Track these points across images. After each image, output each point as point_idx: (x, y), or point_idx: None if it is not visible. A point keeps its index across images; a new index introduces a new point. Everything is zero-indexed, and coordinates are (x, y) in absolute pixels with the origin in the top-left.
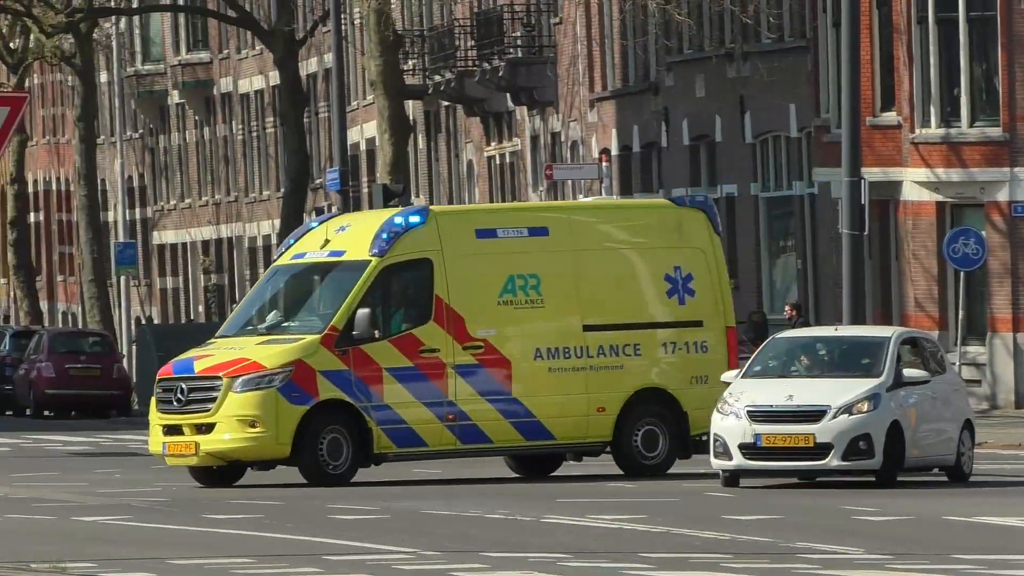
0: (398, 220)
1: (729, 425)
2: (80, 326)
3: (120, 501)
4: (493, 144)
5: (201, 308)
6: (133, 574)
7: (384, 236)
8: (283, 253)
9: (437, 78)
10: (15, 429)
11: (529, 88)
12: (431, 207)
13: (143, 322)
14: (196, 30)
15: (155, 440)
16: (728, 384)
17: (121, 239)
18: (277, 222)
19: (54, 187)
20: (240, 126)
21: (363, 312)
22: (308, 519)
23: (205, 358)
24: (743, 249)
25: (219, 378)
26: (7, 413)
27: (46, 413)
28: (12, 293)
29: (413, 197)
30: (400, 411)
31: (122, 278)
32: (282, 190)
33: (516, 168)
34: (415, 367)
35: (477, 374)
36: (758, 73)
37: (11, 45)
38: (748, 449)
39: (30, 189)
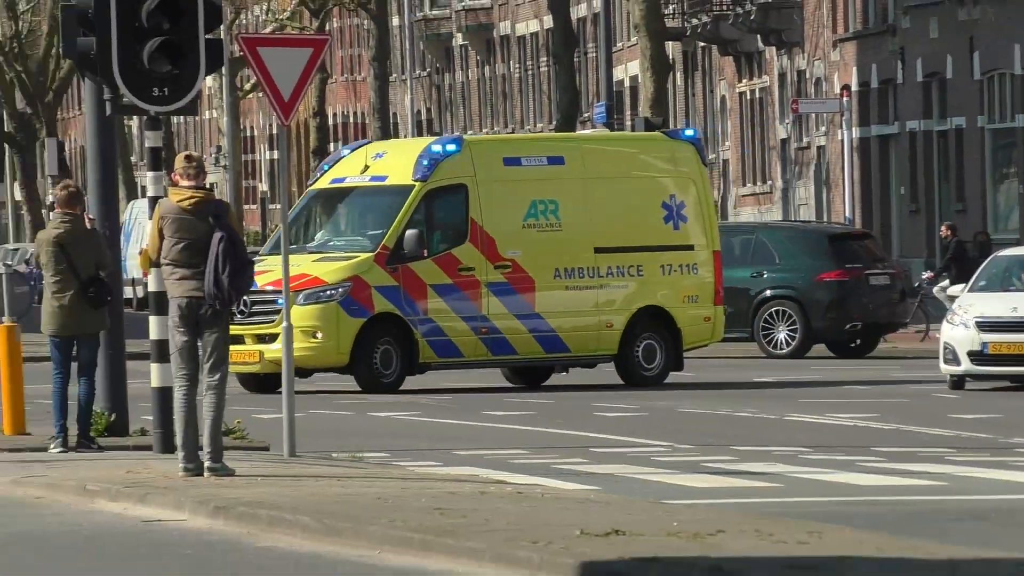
0: (436, 148)
1: (958, 335)
2: None
3: (410, 400)
4: (744, 81)
5: None
6: (423, 463)
7: (425, 163)
8: (319, 178)
9: (695, 21)
10: None
11: (778, 30)
12: (464, 136)
13: None
14: None
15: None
16: (955, 297)
17: None
18: None
19: (351, 120)
20: (517, 65)
21: (412, 232)
22: (575, 416)
23: (265, 273)
24: (970, 176)
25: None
26: None
27: None
28: None
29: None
30: (442, 324)
31: None
32: (554, 123)
33: (764, 103)
34: (454, 284)
35: (506, 291)
36: (987, 16)
37: None
38: (976, 356)
39: (330, 122)
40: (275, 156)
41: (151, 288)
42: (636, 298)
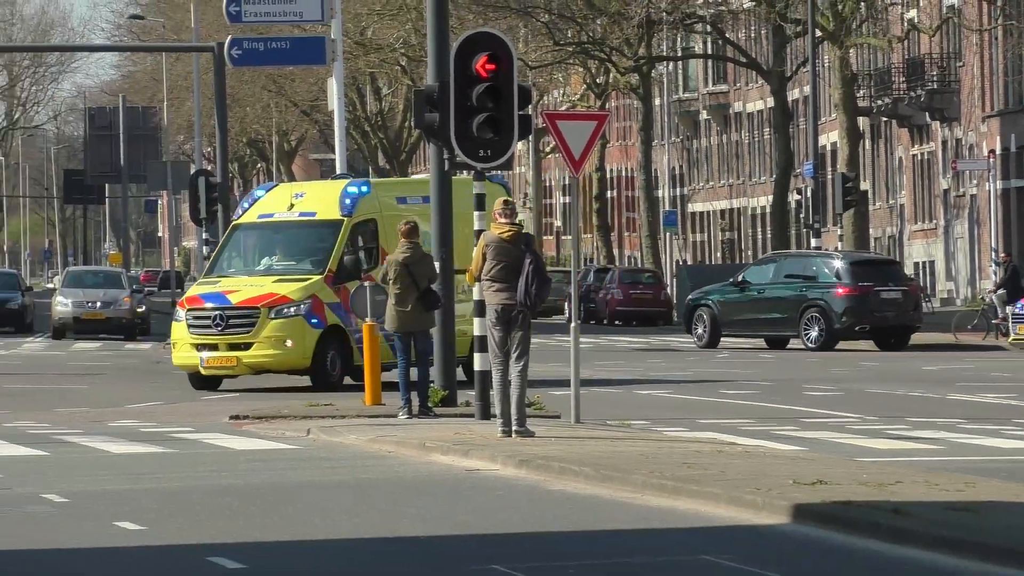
0: (352, 189)
1: None
2: (639, 265)
3: (663, 377)
4: (916, 146)
5: (718, 255)
6: (674, 429)
7: (347, 201)
8: (243, 214)
9: (879, 102)
10: (596, 333)
11: (941, 108)
12: (371, 180)
13: (680, 263)
14: (719, 70)
15: (185, 355)
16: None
17: (667, 208)
18: (770, 197)
19: (623, 174)
20: (747, 133)
21: (350, 258)
22: (789, 395)
23: (234, 292)
24: None
25: (257, 308)
26: (591, 322)
27: (616, 323)
28: (595, 243)
29: (862, 182)
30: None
31: (667, 234)
32: (773, 176)
33: (931, 162)
34: None
35: None
36: None
37: (597, 80)
38: None
39: (607, 175)
40: (567, 200)
41: (475, 297)
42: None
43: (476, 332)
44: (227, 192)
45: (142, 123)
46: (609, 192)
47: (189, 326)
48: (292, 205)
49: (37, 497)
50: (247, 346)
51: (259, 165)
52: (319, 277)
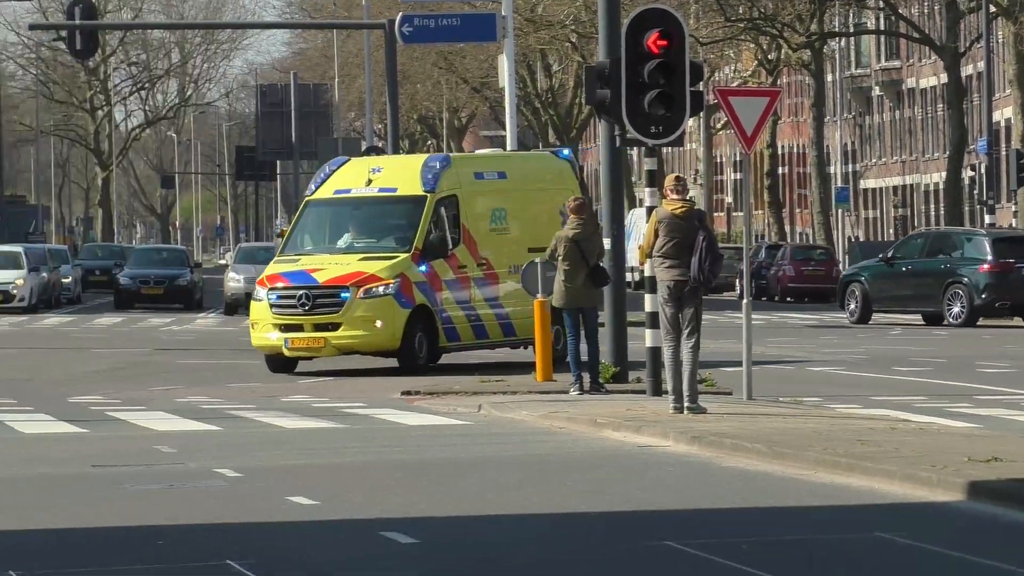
0: (434, 164)
1: None
2: (811, 242)
3: (836, 357)
4: None
5: (891, 231)
6: (847, 406)
7: (430, 176)
8: (316, 191)
9: None
10: (768, 310)
11: None
12: (450, 154)
13: (852, 240)
14: (891, 46)
15: (266, 335)
16: None
17: (839, 185)
18: (943, 174)
19: (795, 150)
20: (920, 110)
21: (437, 235)
22: (962, 372)
23: (320, 271)
24: None
25: (346, 287)
26: (762, 299)
27: (788, 299)
28: (766, 220)
29: None
30: (451, 314)
31: (839, 211)
32: (947, 152)
33: None
34: (457, 280)
35: (485, 286)
36: None
37: (769, 56)
38: None
39: (779, 152)
40: (738, 177)
41: (646, 273)
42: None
43: (647, 308)
44: None
45: (313, 100)
46: (780, 169)
47: (272, 306)
48: (370, 180)
49: (210, 472)
50: (335, 326)
51: (429, 142)
52: (406, 255)
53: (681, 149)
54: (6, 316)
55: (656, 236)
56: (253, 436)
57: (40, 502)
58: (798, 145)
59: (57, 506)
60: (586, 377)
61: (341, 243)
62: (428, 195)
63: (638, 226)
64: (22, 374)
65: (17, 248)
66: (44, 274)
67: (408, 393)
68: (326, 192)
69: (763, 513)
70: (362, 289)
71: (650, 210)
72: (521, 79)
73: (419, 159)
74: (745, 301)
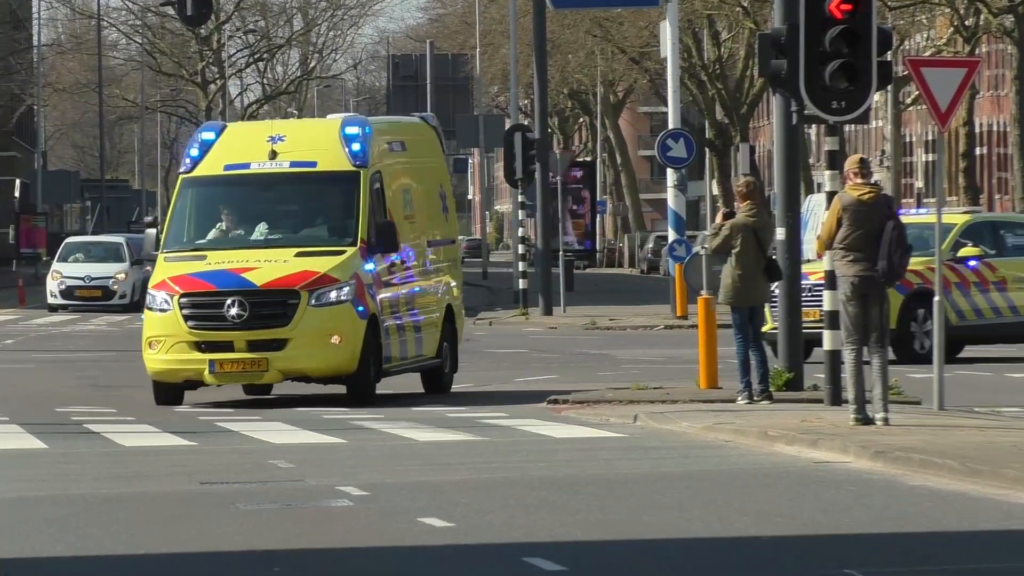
0: (354, 130)
1: None
2: None
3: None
4: None
5: None
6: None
7: (356, 147)
8: (194, 167)
9: None
10: None
11: None
12: (368, 118)
13: None
14: None
15: (175, 358)
16: None
17: None
18: None
19: (995, 128)
20: None
21: (387, 224)
22: None
23: (253, 271)
24: None
25: (294, 291)
26: None
27: None
28: (962, 207)
29: None
30: (389, 324)
31: None
32: None
33: None
34: (391, 281)
35: (409, 288)
36: None
37: (966, 23)
38: None
39: (976, 129)
40: (930, 158)
41: (825, 267)
42: (446, 298)
43: (826, 307)
44: (546, 149)
45: (451, 72)
46: (978, 149)
47: (187, 318)
48: (274, 153)
49: (334, 490)
50: (280, 344)
51: (581, 119)
52: (354, 249)
53: (865, 127)
54: (106, 315)
55: (838, 226)
56: (381, 450)
57: (142, 523)
58: (998, 123)
59: (160, 528)
60: (755, 384)
61: (257, 234)
62: (360, 170)
63: (816, 214)
64: (122, 380)
65: (119, 239)
66: (149, 267)
67: (555, 401)
68: (212, 167)
69: (954, 538)
70: (314, 294)
71: (831, 196)
72: (685, 48)
73: (328, 124)
74: (937, 299)
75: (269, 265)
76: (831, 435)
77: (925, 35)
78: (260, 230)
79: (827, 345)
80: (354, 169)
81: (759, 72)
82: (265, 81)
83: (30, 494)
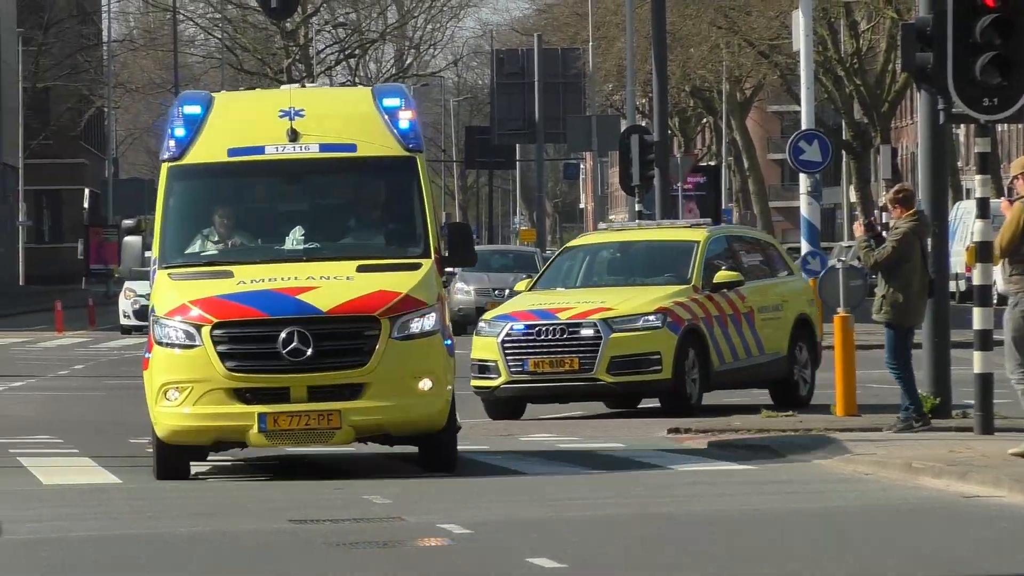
0: (394, 102)
1: None
2: None
3: None
4: None
5: None
6: None
7: (406, 124)
8: (183, 153)
9: None
10: None
11: None
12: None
13: None
14: None
15: (202, 411)
16: None
17: None
18: None
19: None
20: None
21: (462, 227)
22: None
23: (311, 291)
24: None
25: (373, 320)
26: None
27: None
28: None
29: None
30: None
31: None
32: None
33: None
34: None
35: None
36: None
37: None
38: None
39: None
40: None
41: (976, 282)
42: None
43: (977, 326)
44: (666, 153)
45: (561, 69)
46: None
47: (225, 357)
48: (295, 132)
49: (433, 527)
50: (354, 392)
51: (705, 120)
52: (429, 261)
53: (1021, 127)
54: None
55: (1022, 236)
56: (485, 484)
57: (224, 565)
58: None
59: (244, 570)
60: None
61: (292, 243)
62: (415, 155)
63: (964, 223)
64: None
65: None
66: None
67: (676, 431)
68: (209, 152)
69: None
70: (396, 322)
71: (983, 202)
72: (820, 40)
73: (358, 93)
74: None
75: (329, 284)
76: (983, 467)
77: None
78: (295, 237)
79: (977, 367)
80: (407, 154)
81: (902, 66)
82: (357, 79)
83: (102, 533)
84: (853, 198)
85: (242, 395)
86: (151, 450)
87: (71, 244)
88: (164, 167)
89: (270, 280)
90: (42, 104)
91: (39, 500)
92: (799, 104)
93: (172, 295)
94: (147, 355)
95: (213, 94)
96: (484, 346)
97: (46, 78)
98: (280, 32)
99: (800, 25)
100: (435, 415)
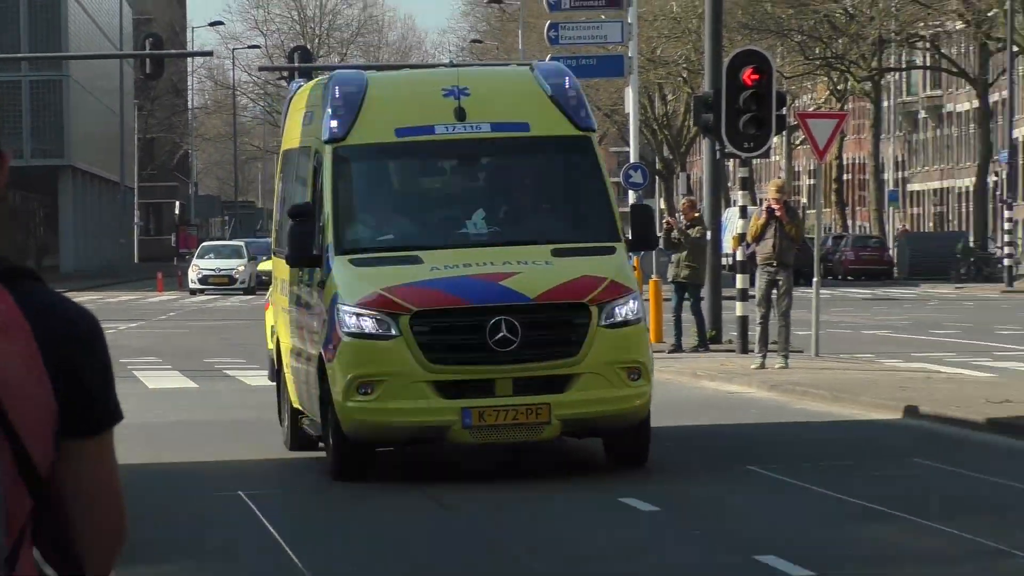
0: (559, 80)
1: None
2: (868, 233)
3: (885, 323)
4: None
5: (930, 224)
6: (893, 360)
7: (575, 102)
8: (349, 130)
9: None
10: (832, 286)
11: None
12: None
13: (900, 231)
14: (935, 78)
15: (409, 406)
16: None
17: (891, 188)
18: (973, 179)
19: (857, 161)
20: (956, 128)
21: (644, 209)
22: (984, 334)
23: (512, 277)
24: None
25: (583, 307)
26: (828, 277)
27: (848, 278)
28: (833, 216)
29: None
30: None
31: (890, 208)
32: (976, 162)
33: None
34: None
35: None
36: None
37: (838, 87)
38: None
39: (844, 162)
40: (812, 182)
41: (737, 258)
42: None
43: (739, 286)
44: None
45: None
46: (845, 176)
47: (426, 347)
48: (462, 111)
49: None
50: (562, 384)
51: None
52: (622, 245)
53: (767, 160)
54: (233, 296)
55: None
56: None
57: (241, 439)
58: (860, 157)
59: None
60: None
61: (474, 226)
62: (589, 135)
63: (732, 221)
64: (252, 339)
65: (241, 242)
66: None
67: None
68: (375, 132)
69: (826, 441)
70: (605, 310)
71: (743, 209)
72: (643, 106)
73: (520, 72)
74: (816, 279)
75: (529, 269)
76: (741, 374)
77: (810, 96)
78: (477, 220)
79: (739, 312)
80: (581, 133)
81: (694, 123)
82: None
83: (181, 418)
84: (663, 206)
85: (444, 389)
86: (323, 444)
87: (167, 236)
88: (328, 148)
89: (464, 266)
90: (149, 149)
91: (147, 398)
92: (629, 146)
93: (360, 283)
94: (330, 348)
95: (366, 74)
96: None
97: (152, 131)
98: None
99: (629, 96)
100: (641, 408)
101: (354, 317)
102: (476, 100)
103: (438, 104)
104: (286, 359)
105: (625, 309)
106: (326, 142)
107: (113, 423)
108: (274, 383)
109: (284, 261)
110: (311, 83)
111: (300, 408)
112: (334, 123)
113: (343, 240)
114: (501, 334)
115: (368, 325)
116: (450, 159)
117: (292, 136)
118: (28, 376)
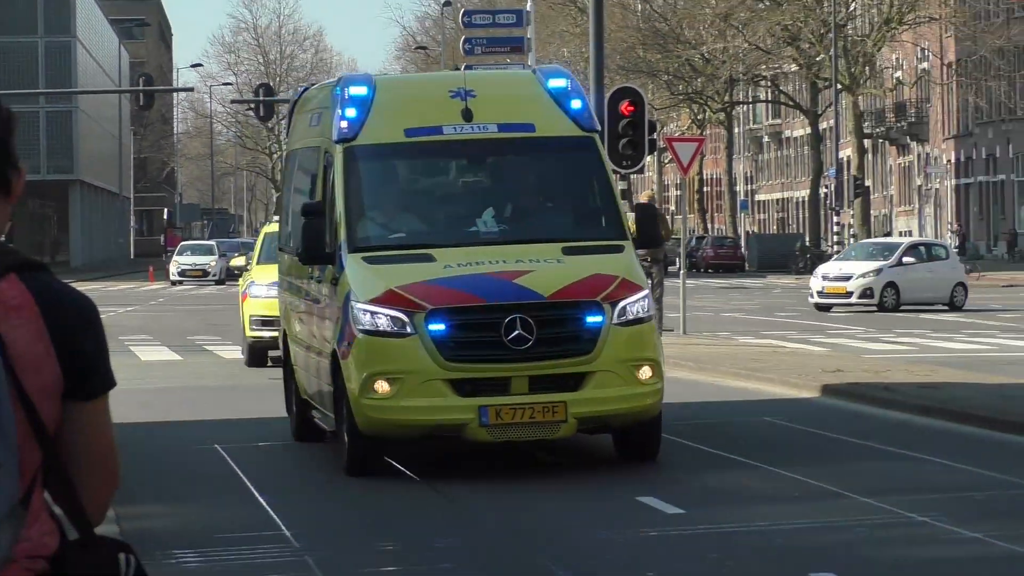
0: (560, 83)
1: None
2: (724, 234)
3: (739, 307)
4: (900, 158)
5: (774, 227)
6: (746, 337)
7: (578, 104)
8: (355, 133)
9: (878, 129)
10: (696, 277)
11: (916, 133)
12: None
13: (749, 233)
14: (776, 110)
15: (426, 404)
16: None
17: (742, 198)
18: (807, 191)
19: (714, 176)
20: (793, 150)
21: (649, 207)
22: (821, 316)
23: (526, 275)
24: (1008, 200)
25: (596, 305)
26: (693, 270)
27: (708, 271)
28: (696, 220)
29: (866, 181)
30: None
31: (741, 215)
32: (810, 176)
33: (910, 168)
34: None
35: None
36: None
37: (698, 117)
38: None
39: (704, 176)
40: (678, 193)
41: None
42: None
43: None
44: None
45: None
46: (705, 188)
47: (442, 345)
48: (469, 112)
49: None
50: (576, 382)
51: None
52: (629, 244)
53: (642, 175)
54: (207, 286)
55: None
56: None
57: (220, 402)
58: (716, 172)
59: (217, 405)
60: None
61: (483, 223)
62: (593, 136)
63: None
64: (225, 320)
65: (213, 242)
66: (225, 259)
67: None
68: (385, 132)
69: (691, 407)
70: (617, 308)
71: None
72: None
73: (523, 75)
74: (682, 272)
75: (542, 267)
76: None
77: (675, 123)
78: (487, 218)
79: None
80: (585, 134)
81: None
82: None
83: (168, 385)
84: None
85: (460, 386)
86: (335, 438)
87: (157, 237)
88: (339, 148)
89: (477, 264)
90: (143, 166)
91: (140, 368)
92: None
93: (374, 281)
94: (344, 345)
95: (374, 76)
96: None
97: (145, 152)
98: (265, 127)
99: None
100: (652, 406)
101: (368, 314)
102: (482, 101)
103: (445, 105)
104: (295, 352)
105: (637, 307)
106: (337, 142)
107: (108, 389)
108: (250, 367)
109: (294, 257)
110: (316, 87)
111: (309, 400)
112: (344, 124)
113: (355, 238)
114: (516, 332)
115: (383, 322)
116: (459, 159)
117: (297, 138)
118: (38, 350)
